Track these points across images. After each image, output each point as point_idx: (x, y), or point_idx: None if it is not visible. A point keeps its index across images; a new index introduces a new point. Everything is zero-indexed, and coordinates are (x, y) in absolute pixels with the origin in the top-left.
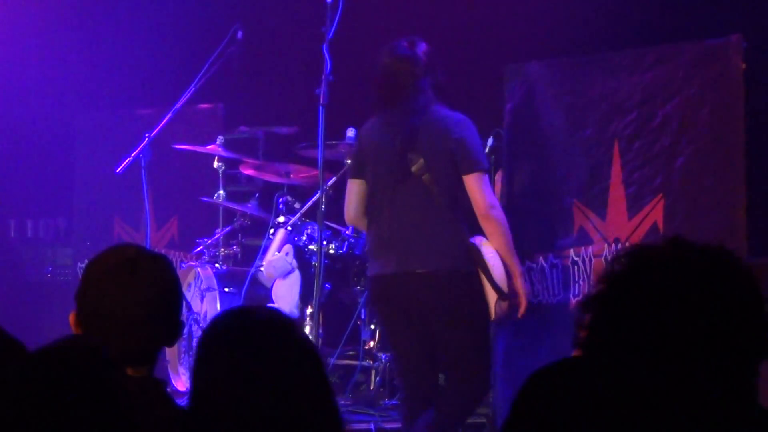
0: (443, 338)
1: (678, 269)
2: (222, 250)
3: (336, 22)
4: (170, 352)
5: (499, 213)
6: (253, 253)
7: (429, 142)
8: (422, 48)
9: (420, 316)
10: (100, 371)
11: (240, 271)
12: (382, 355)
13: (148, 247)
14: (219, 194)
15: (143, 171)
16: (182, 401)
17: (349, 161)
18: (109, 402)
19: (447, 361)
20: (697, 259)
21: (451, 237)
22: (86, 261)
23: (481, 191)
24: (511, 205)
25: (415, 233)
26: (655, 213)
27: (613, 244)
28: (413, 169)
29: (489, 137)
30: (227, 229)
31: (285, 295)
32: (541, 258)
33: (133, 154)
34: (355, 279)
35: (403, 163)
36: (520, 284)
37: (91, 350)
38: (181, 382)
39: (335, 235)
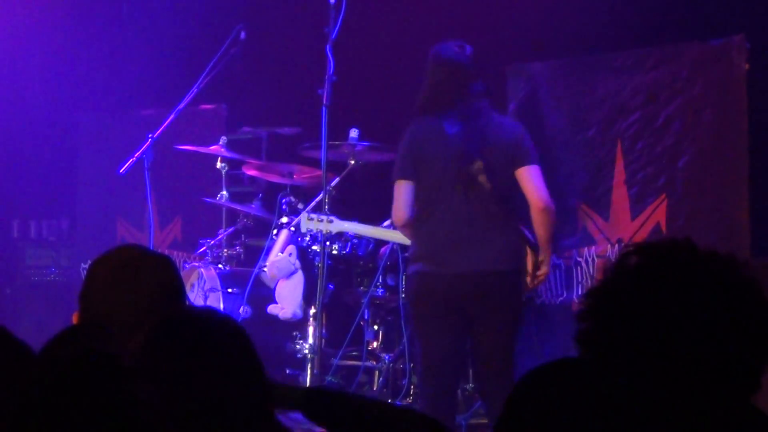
0: (499, 335)
1: (688, 271)
2: (225, 250)
3: (339, 22)
4: None
5: (552, 206)
6: (257, 254)
7: (492, 144)
8: (469, 51)
9: (477, 315)
10: (116, 380)
11: (243, 271)
12: (385, 356)
13: (151, 247)
14: (222, 195)
15: (146, 171)
16: None
17: (349, 162)
18: (125, 411)
19: (494, 359)
20: (708, 263)
21: (511, 235)
22: (89, 262)
23: (539, 182)
24: None
25: (481, 233)
26: (658, 213)
27: (616, 245)
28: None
29: None
30: (230, 229)
31: (288, 296)
32: None
33: (136, 155)
34: (358, 280)
35: (470, 165)
36: (545, 270)
37: (107, 359)
38: None
39: (338, 236)
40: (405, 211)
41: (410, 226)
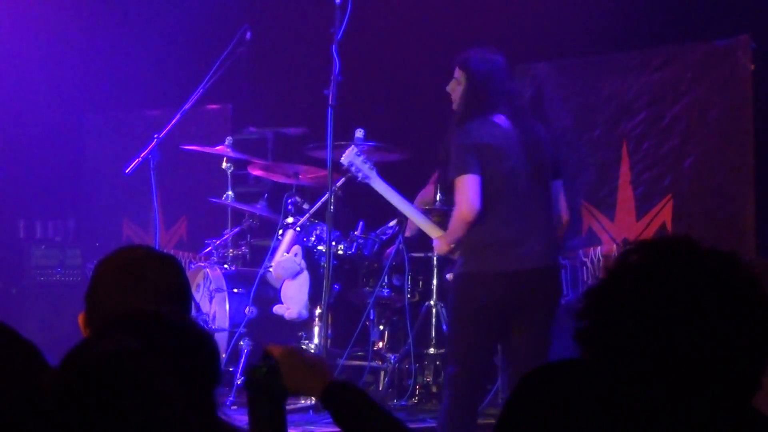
0: (545, 330)
1: (688, 269)
2: (231, 250)
3: (345, 23)
4: None
5: None
6: (262, 254)
7: (543, 146)
8: (501, 55)
9: (525, 311)
10: (142, 375)
11: (249, 271)
12: (390, 356)
13: (156, 247)
14: (228, 195)
15: (152, 172)
16: None
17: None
18: (152, 405)
19: (534, 355)
20: (707, 261)
21: (554, 235)
22: (95, 261)
23: (565, 196)
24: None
25: (545, 229)
26: (663, 214)
27: (622, 245)
28: None
29: None
30: (236, 229)
31: (294, 296)
32: None
33: (141, 155)
34: (364, 280)
35: (536, 162)
36: None
37: (133, 354)
38: None
39: (344, 236)
40: (478, 203)
41: (474, 221)
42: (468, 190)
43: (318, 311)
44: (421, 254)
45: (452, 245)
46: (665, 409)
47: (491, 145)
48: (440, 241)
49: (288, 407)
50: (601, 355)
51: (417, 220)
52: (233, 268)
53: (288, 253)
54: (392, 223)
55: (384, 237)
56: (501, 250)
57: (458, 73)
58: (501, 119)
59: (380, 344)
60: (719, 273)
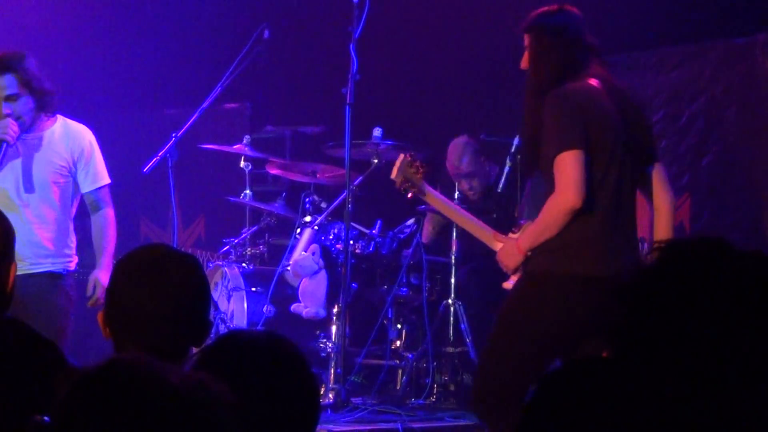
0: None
1: (726, 269)
2: (249, 249)
3: (363, 21)
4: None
5: None
6: (280, 253)
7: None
8: None
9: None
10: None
11: (267, 270)
12: (408, 355)
13: (175, 246)
14: (246, 194)
15: (170, 171)
16: None
17: (373, 161)
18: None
19: None
20: (746, 261)
21: None
22: (114, 260)
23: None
24: (537, 204)
25: (629, 225)
26: (681, 212)
27: (640, 243)
28: None
29: (515, 137)
30: (254, 228)
31: (311, 295)
32: None
33: (160, 154)
34: (382, 278)
35: (644, 140)
36: None
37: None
38: None
39: (362, 235)
40: (583, 187)
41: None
42: (575, 170)
43: (336, 310)
44: (439, 258)
45: (529, 252)
46: (697, 410)
47: (596, 115)
48: (511, 248)
49: None
50: (635, 353)
51: (477, 229)
52: (251, 267)
53: (306, 251)
54: (410, 221)
55: (402, 236)
56: (596, 247)
57: (527, 40)
58: (595, 82)
59: (398, 343)
60: (758, 273)
